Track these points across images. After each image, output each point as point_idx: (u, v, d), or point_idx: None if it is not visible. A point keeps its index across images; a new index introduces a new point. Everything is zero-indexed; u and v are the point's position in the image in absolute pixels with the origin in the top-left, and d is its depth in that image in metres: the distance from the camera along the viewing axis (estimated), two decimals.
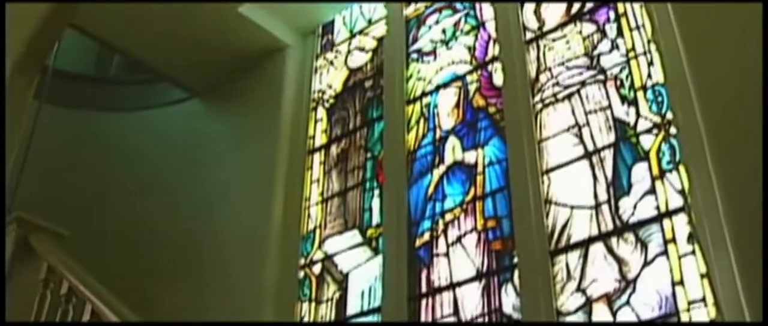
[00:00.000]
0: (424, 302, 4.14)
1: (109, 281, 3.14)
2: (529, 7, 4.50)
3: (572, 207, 3.78)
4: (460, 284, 4.03)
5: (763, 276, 2.78)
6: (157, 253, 5.40)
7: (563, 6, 4.36)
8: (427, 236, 4.30)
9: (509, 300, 3.80)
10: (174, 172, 5.70)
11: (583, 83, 4.05)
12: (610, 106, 3.89)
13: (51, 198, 5.18)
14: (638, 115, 3.76)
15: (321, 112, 5.31)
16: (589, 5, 4.24)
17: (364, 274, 4.49)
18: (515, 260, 3.85)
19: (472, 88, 4.56)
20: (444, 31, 4.91)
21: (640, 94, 3.80)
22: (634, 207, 3.58)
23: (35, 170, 4.88)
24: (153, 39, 5.57)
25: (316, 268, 4.72)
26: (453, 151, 4.43)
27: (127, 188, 5.84)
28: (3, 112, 2.28)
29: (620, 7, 4.10)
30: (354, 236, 4.65)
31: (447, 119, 4.58)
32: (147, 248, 5.45)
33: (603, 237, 3.62)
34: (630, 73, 3.88)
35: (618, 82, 3.91)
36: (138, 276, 5.14)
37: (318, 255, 4.76)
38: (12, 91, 4.41)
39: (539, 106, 4.15)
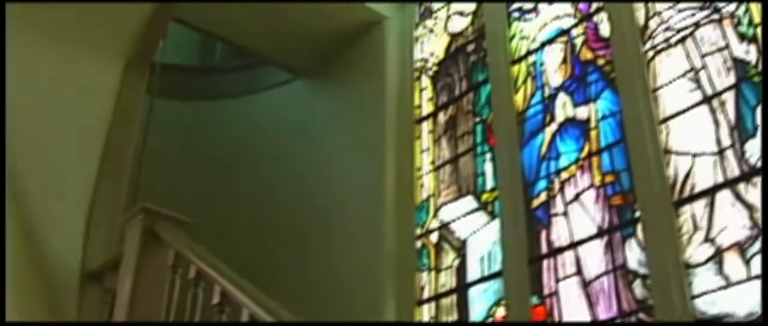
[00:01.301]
0: (545, 263, 4.08)
1: (231, 262, 3.20)
2: None
3: (694, 155, 3.64)
4: (581, 242, 3.95)
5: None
6: (273, 232, 5.52)
7: None
8: (543, 196, 4.23)
9: (634, 256, 3.70)
10: (285, 153, 5.79)
11: (696, 25, 3.87)
12: (727, 46, 3.71)
13: (170, 188, 5.35)
14: (759, 52, 3.56)
15: (425, 81, 5.28)
16: None
17: (482, 239, 4.45)
18: (637, 214, 3.73)
19: (578, 41, 4.43)
20: None
21: (759, 30, 3.60)
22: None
23: (153, 162, 5.06)
24: (253, 24, 5.64)
25: (434, 237, 4.72)
26: (564, 107, 4.33)
27: (241, 172, 5.97)
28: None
29: None
30: (469, 202, 4.62)
31: (555, 76, 4.47)
32: (264, 228, 5.57)
33: (729, 183, 3.46)
34: (748, 8, 3.68)
35: (735, 20, 3.72)
36: (258, 255, 5.26)
37: (434, 223, 4.75)
38: (126, 87, 4.57)
39: (651, 53, 3.99)
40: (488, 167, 4.59)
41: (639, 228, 3.70)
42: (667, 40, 3.95)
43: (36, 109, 4.26)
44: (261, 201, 5.74)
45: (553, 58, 4.53)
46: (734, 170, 3.47)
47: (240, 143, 6.12)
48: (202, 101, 6.37)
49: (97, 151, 4.39)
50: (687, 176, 3.63)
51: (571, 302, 3.88)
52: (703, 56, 3.79)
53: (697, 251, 3.46)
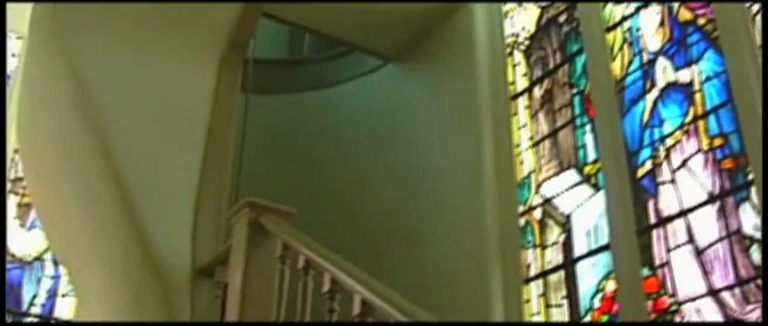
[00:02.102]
0: (654, 233, 3.97)
1: (335, 249, 3.23)
2: None
3: None
4: (691, 210, 3.83)
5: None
6: (374, 218, 5.55)
7: None
8: (648, 165, 4.11)
9: (749, 220, 3.56)
10: (381, 138, 5.81)
11: None
12: None
13: (270, 181, 5.42)
14: None
15: (518, 56, 5.20)
16: None
17: (588, 213, 4.37)
18: (750, 176, 3.59)
19: (675, 2, 4.28)
20: None
21: None
22: None
23: (252, 157, 5.14)
24: (340, 13, 5.67)
25: (537, 213, 4.65)
26: (664, 72, 4.19)
27: (338, 161, 6.01)
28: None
29: None
30: (571, 176, 4.54)
31: (653, 40, 4.33)
32: (364, 214, 5.61)
33: None
34: None
35: None
36: (360, 242, 5.29)
37: (536, 200, 4.69)
38: (222, 86, 4.66)
39: (755, 8, 3.82)
40: (589, 139, 4.49)
41: (753, 191, 3.56)
42: None
43: (137, 113, 4.38)
44: (360, 188, 5.78)
45: (649, 22, 4.39)
46: None
47: (335, 132, 6.17)
48: (294, 94, 6.44)
49: (199, 150, 4.49)
50: None
51: (685, 272, 3.77)
52: None
53: None
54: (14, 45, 7.03)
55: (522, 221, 4.72)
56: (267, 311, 3.49)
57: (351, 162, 5.99)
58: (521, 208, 4.74)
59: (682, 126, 4.00)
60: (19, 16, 6.19)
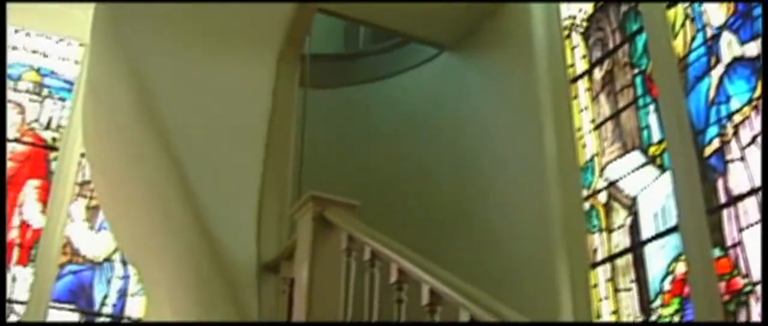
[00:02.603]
0: (725, 213, 3.88)
1: (398, 240, 3.22)
2: None
3: None
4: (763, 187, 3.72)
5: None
6: (436, 207, 5.53)
7: None
8: (716, 143, 4.01)
9: None
10: (439, 127, 5.79)
11: None
12: None
13: (331, 174, 5.44)
14: None
15: (576, 38, 5.13)
16: None
17: (654, 194, 4.29)
18: None
19: None
20: None
21: None
22: None
23: (312, 151, 5.16)
24: (394, 4, 5.66)
25: (602, 197, 4.59)
26: (729, 46, 4.08)
27: (397, 151, 6.01)
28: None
29: None
30: (636, 157, 4.46)
31: (716, 15, 4.21)
32: (427, 204, 5.59)
33: None
34: None
35: None
36: (423, 231, 5.28)
37: (601, 183, 4.62)
38: (280, 82, 4.69)
39: None
40: (653, 119, 4.40)
41: None
42: None
43: (198, 112, 4.43)
44: (420, 177, 5.77)
45: None
46: None
47: (393, 123, 6.16)
48: (352, 87, 6.45)
49: (261, 146, 4.52)
50: None
51: (758, 251, 3.67)
52: None
53: None
54: (76, 52, 7.18)
55: (586, 205, 4.66)
56: (334, 304, 3.49)
57: (410, 152, 5.98)
58: (585, 192, 4.68)
59: (750, 101, 3.89)
60: (80, 24, 6.33)
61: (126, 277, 6.62)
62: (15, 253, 6.45)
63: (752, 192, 3.76)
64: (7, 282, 6.21)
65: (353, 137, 6.25)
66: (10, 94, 6.93)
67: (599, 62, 4.89)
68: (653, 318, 4.11)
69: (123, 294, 6.59)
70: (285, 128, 4.66)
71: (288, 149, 4.63)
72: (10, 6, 6.91)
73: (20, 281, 6.38)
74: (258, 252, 4.31)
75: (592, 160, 4.73)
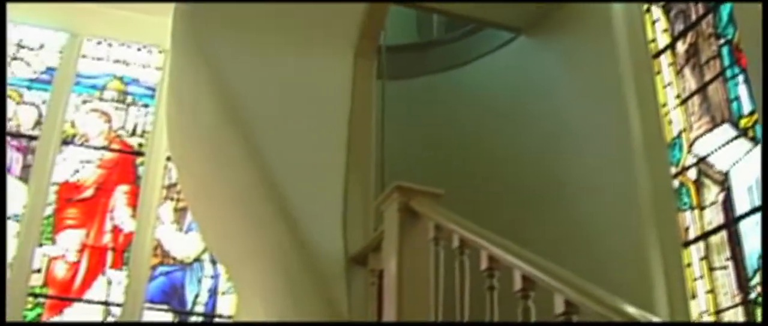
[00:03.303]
0: None
1: (483, 227, 3.20)
2: None
3: None
4: None
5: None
6: (521, 192, 5.48)
7: None
8: None
9: None
10: (520, 111, 5.73)
11: None
12: None
13: (413, 164, 5.43)
14: None
15: (656, 12, 5.00)
16: None
17: (747, 168, 4.15)
18: None
19: None
20: None
21: None
22: None
23: (393, 142, 5.17)
24: None
25: (691, 173, 4.46)
26: None
27: (478, 138, 5.97)
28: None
29: None
30: (725, 131, 4.32)
31: None
32: (510, 189, 5.54)
33: None
34: None
35: None
36: (509, 217, 5.23)
37: (690, 159, 4.50)
38: (358, 75, 4.71)
39: None
40: (742, 90, 4.26)
41: None
42: None
43: (279, 108, 4.49)
44: (502, 163, 5.72)
45: None
46: None
47: (472, 110, 6.12)
48: (428, 76, 6.43)
49: (343, 140, 4.56)
50: None
51: None
52: None
53: None
54: (157, 59, 7.34)
55: (676, 183, 4.55)
56: (424, 294, 3.49)
57: (491, 138, 5.93)
58: (674, 170, 4.56)
59: None
60: (159, 31, 6.47)
61: (216, 276, 6.75)
62: (109, 257, 6.64)
63: None
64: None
65: (433, 126, 6.23)
66: (97, 104, 7.13)
67: (682, 35, 4.76)
68: (752, 296, 3.99)
69: (213, 292, 6.72)
70: (365, 121, 4.68)
71: (369, 142, 4.66)
72: (92, 18, 7.11)
73: (115, 284, 6.56)
74: (345, 245, 4.34)
75: (679, 136, 4.61)
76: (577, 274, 2.53)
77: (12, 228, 6.53)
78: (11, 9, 6.96)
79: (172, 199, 6.90)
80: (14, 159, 6.79)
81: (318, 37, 4.72)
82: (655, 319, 2.19)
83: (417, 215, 3.64)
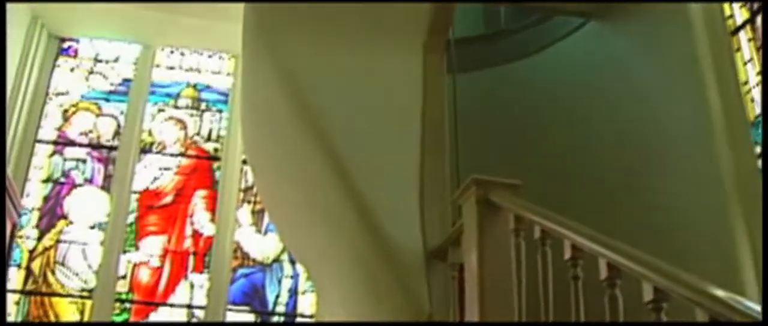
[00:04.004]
0: None
1: (564, 215, 3.16)
2: None
3: None
4: None
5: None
6: (599, 179, 5.37)
7: None
8: None
9: None
10: (594, 97, 5.63)
11: None
12: None
13: (487, 156, 5.39)
14: None
15: None
16: None
17: None
18: None
19: None
20: None
21: None
22: None
23: (466, 135, 5.13)
24: None
25: None
26: None
27: (552, 126, 5.88)
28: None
29: None
30: None
31: None
32: (590, 176, 5.45)
33: None
34: None
35: None
36: (590, 205, 5.14)
37: None
38: (429, 70, 4.71)
39: None
40: None
41: None
42: None
43: (353, 107, 4.51)
44: (578, 151, 5.62)
45: None
46: None
47: (545, 98, 6.04)
48: (498, 66, 6.36)
49: (416, 135, 4.55)
50: None
51: None
52: None
53: None
54: (227, 65, 7.47)
55: (760, 163, 4.41)
56: (507, 287, 3.46)
57: (565, 127, 5.83)
58: (758, 150, 4.43)
59: None
60: (230, 37, 6.57)
61: (295, 276, 6.83)
62: (190, 261, 6.77)
63: None
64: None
65: (505, 118, 6.17)
66: (172, 112, 7.30)
67: (761, 8, 4.61)
68: None
69: (294, 292, 6.80)
70: (438, 116, 4.67)
71: (443, 135, 4.64)
72: (164, 28, 7.26)
73: (197, 287, 6.69)
74: (424, 240, 4.33)
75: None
76: (663, 261, 2.47)
77: (97, 236, 6.72)
78: (86, 25, 7.17)
79: (249, 202, 7.01)
80: (96, 169, 6.99)
81: (386, 36, 4.72)
82: (747, 303, 2.12)
83: (496, 207, 3.61)
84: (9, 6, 6.65)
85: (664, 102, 4.98)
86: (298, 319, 6.71)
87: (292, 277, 6.82)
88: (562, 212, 3.21)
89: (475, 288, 3.61)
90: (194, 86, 7.43)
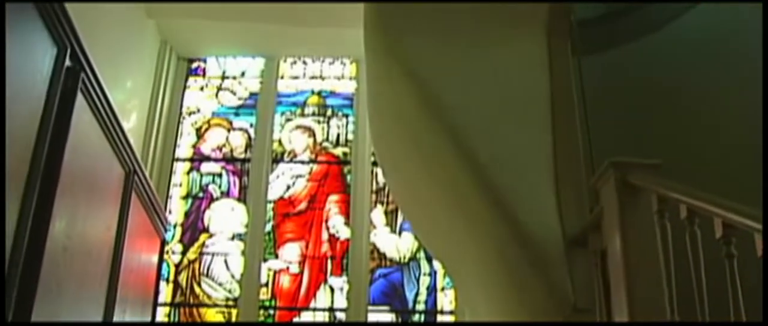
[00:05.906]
0: None
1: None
2: None
3: None
4: None
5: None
6: (740, 152, 5.18)
7: None
8: None
9: None
10: (726, 67, 5.42)
11: None
12: None
13: (621, 137, 5.26)
14: None
15: None
16: None
17: None
18: None
19: None
20: None
21: None
22: None
23: (597, 118, 5.03)
24: None
25: None
26: None
27: (685, 100, 5.69)
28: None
29: None
30: None
31: None
32: (729, 151, 5.25)
33: None
34: None
35: None
36: (729, 181, 4.94)
37: None
38: (554, 55, 4.63)
39: None
40: None
41: None
42: None
43: (481, 99, 4.49)
44: (714, 125, 5.41)
45: None
46: None
47: (674, 73, 5.84)
48: (623, 45, 6.20)
49: (547, 122, 4.48)
50: None
51: None
52: None
53: None
54: (350, 69, 7.57)
55: None
56: (655, 271, 3.36)
57: (697, 101, 5.63)
58: None
59: None
60: (351, 42, 6.67)
61: (433, 273, 6.85)
62: (329, 265, 6.90)
63: None
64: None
65: (634, 97, 6.00)
66: (300, 120, 7.47)
67: None
68: None
69: (432, 290, 6.82)
70: (567, 100, 4.58)
71: (574, 120, 4.55)
72: (285, 40, 7.44)
73: (337, 290, 6.81)
74: (562, 228, 4.26)
75: None
76: None
77: (238, 247, 6.94)
78: (211, 44, 7.43)
79: (382, 203, 7.09)
80: (231, 182, 7.22)
81: (506, 24, 4.68)
82: None
83: (636, 189, 3.51)
84: (140, 30, 6.98)
85: None
86: (439, 317, 6.74)
87: (429, 275, 6.85)
88: (704, 189, 3.09)
89: (620, 274, 3.53)
90: (319, 93, 7.57)
